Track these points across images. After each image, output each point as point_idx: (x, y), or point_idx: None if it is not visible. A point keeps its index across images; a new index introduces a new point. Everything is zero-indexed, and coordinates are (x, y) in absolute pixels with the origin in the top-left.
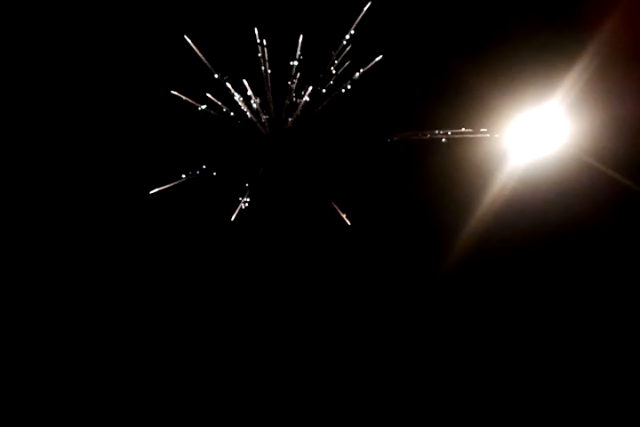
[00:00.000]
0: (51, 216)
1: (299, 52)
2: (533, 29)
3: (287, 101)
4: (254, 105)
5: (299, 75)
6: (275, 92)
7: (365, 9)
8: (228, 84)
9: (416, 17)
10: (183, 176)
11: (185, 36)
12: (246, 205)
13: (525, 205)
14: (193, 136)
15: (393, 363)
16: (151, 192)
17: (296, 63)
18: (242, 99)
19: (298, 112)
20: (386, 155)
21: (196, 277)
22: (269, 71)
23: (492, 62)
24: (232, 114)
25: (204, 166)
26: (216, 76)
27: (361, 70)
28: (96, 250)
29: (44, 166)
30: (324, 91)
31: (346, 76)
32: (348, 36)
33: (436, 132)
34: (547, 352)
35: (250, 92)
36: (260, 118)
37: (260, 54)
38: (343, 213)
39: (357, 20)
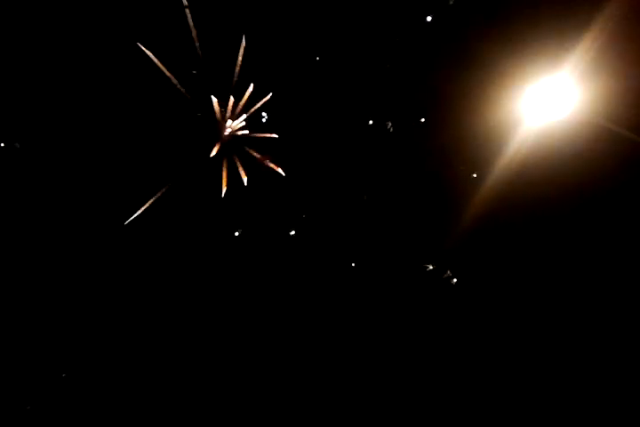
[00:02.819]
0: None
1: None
2: None
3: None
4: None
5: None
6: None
7: None
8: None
9: None
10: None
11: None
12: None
13: (539, 170)
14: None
15: (403, 337)
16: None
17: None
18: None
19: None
20: (397, 121)
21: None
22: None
23: (505, 29)
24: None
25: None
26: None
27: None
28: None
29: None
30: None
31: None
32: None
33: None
34: (563, 323)
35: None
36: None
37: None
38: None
39: None
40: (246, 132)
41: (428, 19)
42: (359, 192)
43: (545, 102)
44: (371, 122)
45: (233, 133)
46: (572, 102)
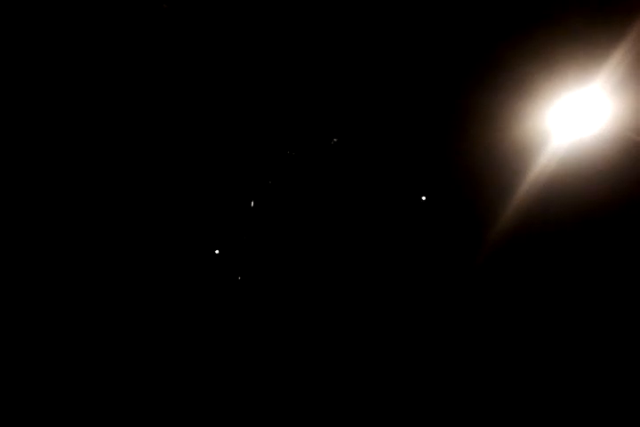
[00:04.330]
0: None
1: None
2: (576, 9)
3: None
4: None
5: None
6: None
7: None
8: None
9: None
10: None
11: None
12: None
13: (568, 187)
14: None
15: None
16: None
17: None
18: None
19: None
20: (420, 137)
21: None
22: None
23: (531, 39)
24: None
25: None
26: None
27: None
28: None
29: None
30: None
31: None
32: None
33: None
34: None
35: None
36: None
37: None
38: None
39: None
40: None
41: (450, 30)
42: (380, 207)
43: (575, 117)
44: (391, 135)
45: None
46: (605, 117)
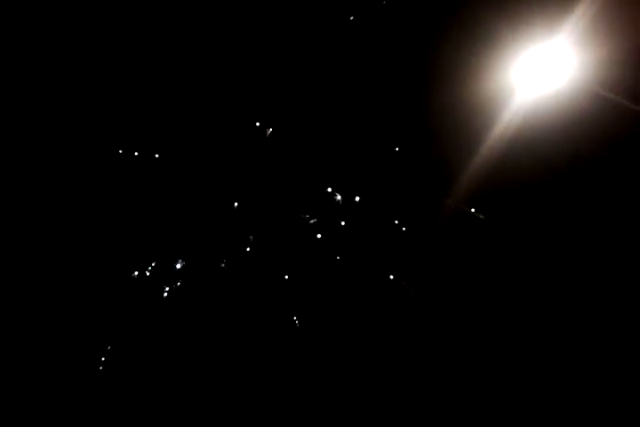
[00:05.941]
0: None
1: None
2: None
3: None
4: None
5: None
6: None
7: None
8: None
9: None
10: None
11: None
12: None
13: (533, 139)
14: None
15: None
16: None
17: None
18: None
19: None
20: (384, 94)
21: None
22: None
23: None
24: None
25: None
26: None
27: None
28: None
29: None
30: None
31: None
32: None
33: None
34: (557, 302)
35: None
36: None
37: None
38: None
39: None
40: None
41: None
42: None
43: (540, 70)
44: (356, 93)
45: None
46: (569, 70)
